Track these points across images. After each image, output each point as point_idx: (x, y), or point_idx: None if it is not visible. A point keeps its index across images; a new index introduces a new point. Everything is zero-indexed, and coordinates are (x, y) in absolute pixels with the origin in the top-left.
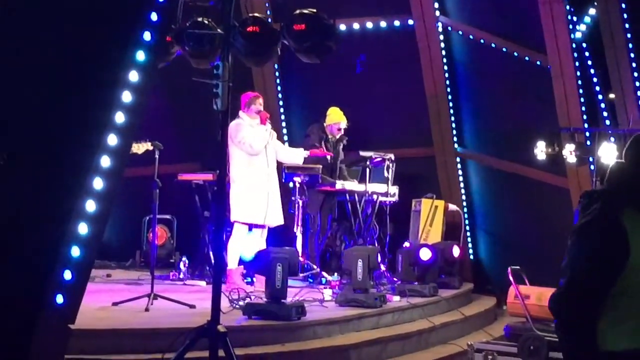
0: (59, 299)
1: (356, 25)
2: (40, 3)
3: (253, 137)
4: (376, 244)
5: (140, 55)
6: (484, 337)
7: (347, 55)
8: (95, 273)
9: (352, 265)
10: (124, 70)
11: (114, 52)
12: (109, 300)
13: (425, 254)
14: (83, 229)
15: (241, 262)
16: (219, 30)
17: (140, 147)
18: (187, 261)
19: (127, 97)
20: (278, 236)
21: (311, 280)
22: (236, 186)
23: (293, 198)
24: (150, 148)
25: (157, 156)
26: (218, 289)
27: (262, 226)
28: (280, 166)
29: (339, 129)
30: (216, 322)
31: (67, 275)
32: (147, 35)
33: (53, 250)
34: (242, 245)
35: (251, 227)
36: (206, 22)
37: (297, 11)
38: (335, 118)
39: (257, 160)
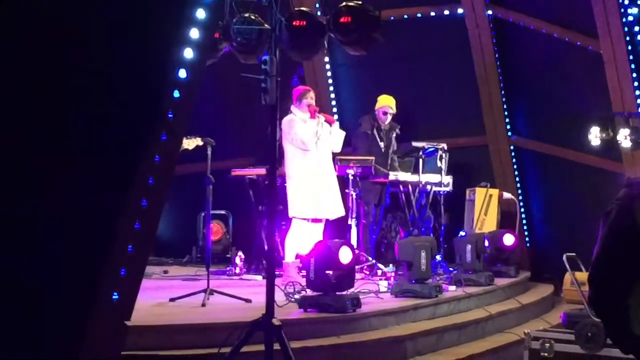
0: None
1: (405, 16)
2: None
3: (304, 133)
4: (431, 234)
5: (188, 52)
6: (542, 325)
7: (398, 46)
8: (153, 270)
9: (415, 256)
10: (173, 67)
11: (162, 49)
12: (166, 297)
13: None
14: (136, 225)
15: (298, 255)
16: (265, 25)
17: (190, 143)
18: (242, 256)
19: (176, 94)
20: (334, 228)
21: (367, 272)
22: (291, 182)
23: (347, 190)
24: (201, 143)
25: (209, 152)
26: (272, 282)
27: (319, 220)
28: (333, 159)
29: (385, 113)
30: (271, 316)
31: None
32: (194, 33)
33: (107, 245)
34: (300, 239)
35: (310, 221)
36: (253, 17)
37: (343, 3)
38: (381, 102)
39: (308, 155)
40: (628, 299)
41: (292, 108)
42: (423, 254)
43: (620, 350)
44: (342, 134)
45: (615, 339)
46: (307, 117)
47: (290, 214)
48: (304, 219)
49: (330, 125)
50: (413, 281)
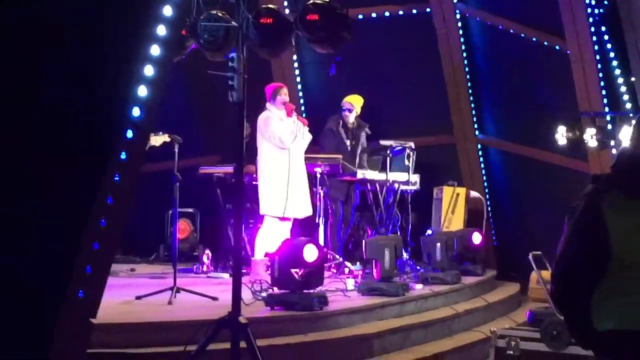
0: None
1: (374, 14)
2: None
3: (283, 131)
4: (398, 233)
5: (155, 50)
6: (508, 323)
7: (366, 45)
8: (120, 268)
9: (379, 255)
10: (139, 64)
11: (129, 46)
12: (133, 294)
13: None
14: (102, 222)
15: (266, 253)
16: (233, 22)
17: (157, 140)
18: (210, 254)
19: (142, 91)
20: (302, 227)
21: (334, 270)
22: (264, 180)
23: (314, 188)
24: (168, 140)
25: (176, 150)
26: (238, 280)
27: (288, 219)
28: None
29: (345, 110)
30: (237, 314)
31: (88, 269)
32: (161, 30)
33: (74, 243)
34: (271, 237)
35: (280, 219)
36: (220, 14)
37: (311, 1)
38: (345, 100)
39: (283, 154)
40: (591, 294)
41: (268, 105)
42: (387, 252)
43: (580, 347)
44: (310, 137)
45: (576, 335)
46: (284, 115)
47: (262, 212)
48: (276, 217)
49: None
50: (381, 279)
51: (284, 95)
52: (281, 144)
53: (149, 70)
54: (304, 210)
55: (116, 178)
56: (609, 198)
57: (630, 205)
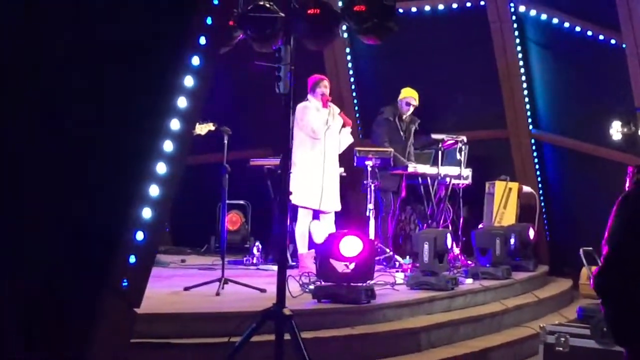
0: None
1: (427, 7)
2: None
3: (315, 121)
4: (450, 227)
5: (202, 40)
6: (558, 319)
7: (419, 38)
8: (171, 259)
9: (420, 248)
10: (185, 54)
11: (175, 36)
12: (181, 285)
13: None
14: (147, 213)
15: (314, 245)
16: (280, 13)
17: (202, 128)
18: (260, 246)
19: (189, 81)
20: (351, 219)
21: (384, 264)
22: (295, 169)
23: (365, 182)
24: (213, 129)
25: (226, 141)
26: (283, 272)
27: (322, 211)
28: (352, 151)
29: (408, 104)
30: (282, 305)
31: (131, 258)
32: (207, 19)
33: (117, 233)
34: (308, 228)
35: (315, 212)
36: (267, 5)
37: None
38: (405, 94)
39: (316, 145)
40: None
41: (308, 96)
42: (426, 246)
43: (616, 343)
44: (350, 140)
45: (617, 328)
46: (320, 106)
47: (295, 201)
48: (306, 208)
49: (344, 127)
50: (427, 273)
51: (323, 87)
52: (313, 133)
53: (195, 60)
54: (334, 204)
55: (162, 170)
56: None
57: None
